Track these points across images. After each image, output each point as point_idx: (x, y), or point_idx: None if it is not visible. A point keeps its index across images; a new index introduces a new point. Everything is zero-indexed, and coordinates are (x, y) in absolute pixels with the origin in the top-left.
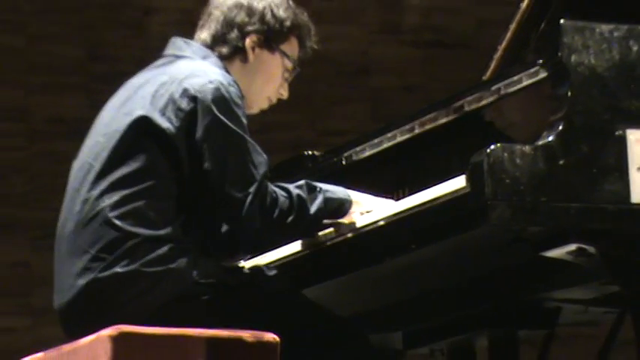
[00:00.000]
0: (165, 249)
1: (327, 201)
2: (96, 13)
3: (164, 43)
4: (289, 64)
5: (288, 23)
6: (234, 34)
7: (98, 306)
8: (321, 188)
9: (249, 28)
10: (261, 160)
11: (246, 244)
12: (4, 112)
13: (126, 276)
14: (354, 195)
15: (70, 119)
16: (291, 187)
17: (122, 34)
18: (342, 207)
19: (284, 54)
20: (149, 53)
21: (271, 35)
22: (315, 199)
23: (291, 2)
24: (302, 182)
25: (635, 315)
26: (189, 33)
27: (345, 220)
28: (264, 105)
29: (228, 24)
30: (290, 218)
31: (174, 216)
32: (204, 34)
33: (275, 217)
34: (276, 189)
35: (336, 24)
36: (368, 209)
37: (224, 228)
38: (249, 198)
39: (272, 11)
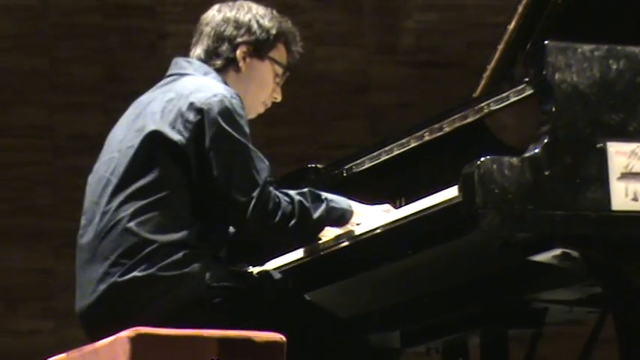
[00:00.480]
0: (180, 254)
1: (330, 210)
2: (113, 38)
3: None
4: (279, 69)
5: (274, 31)
6: (225, 46)
7: (117, 309)
8: (325, 197)
9: (239, 39)
10: (263, 166)
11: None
12: (30, 130)
13: (143, 280)
14: (355, 206)
15: (90, 136)
16: (293, 193)
17: (138, 57)
18: (343, 216)
19: (273, 60)
20: (163, 74)
21: (259, 44)
22: (318, 206)
23: (274, 12)
24: (305, 190)
25: (616, 314)
26: None
27: (344, 229)
28: (261, 109)
29: (219, 38)
30: (292, 223)
31: (188, 223)
32: (197, 50)
33: (277, 220)
34: (280, 194)
35: (337, 46)
36: (367, 220)
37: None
38: (253, 202)
39: (258, 22)
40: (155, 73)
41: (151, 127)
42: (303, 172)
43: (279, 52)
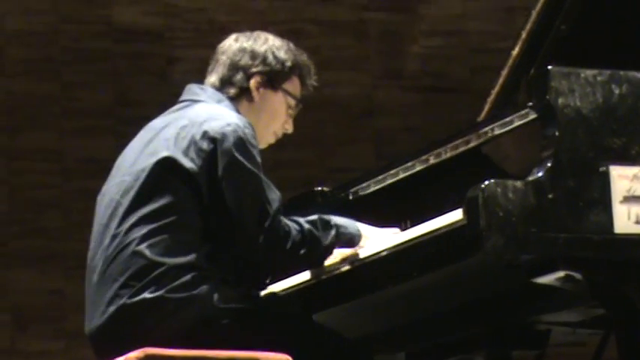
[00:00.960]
0: (188, 277)
1: (339, 235)
2: (123, 63)
3: None
4: (292, 102)
5: (289, 63)
6: (239, 76)
7: (127, 330)
8: (334, 223)
9: (253, 69)
10: (274, 196)
11: (263, 272)
12: (42, 154)
13: (152, 301)
14: (363, 229)
15: (100, 159)
16: (303, 221)
17: (147, 82)
18: (352, 240)
19: (287, 92)
20: (172, 99)
21: (273, 75)
22: (327, 233)
23: (291, 45)
24: (315, 217)
25: (619, 336)
26: None
27: (352, 251)
28: (271, 140)
29: (234, 67)
30: (302, 251)
31: (197, 246)
32: (212, 78)
33: (287, 249)
34: (290, 223)
35: (343, 71)
36: (376, 243)
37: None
38: (264, 232)
39: (273, 53)
40: (164, 97)
41: (164, 153)
42: (310, 195)
43: (293, 85)
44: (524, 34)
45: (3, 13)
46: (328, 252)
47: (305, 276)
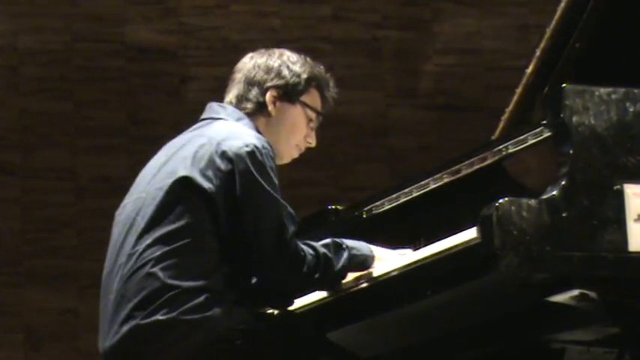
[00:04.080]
0: (201, 299)
1: (352, 257)
2: (136, 81)
3: (199, 107)
4: (312, 114)
5: (305, 75)
6: (254, 91)
7: (139, 350)
8: (347, 246)
9: (268, 84)
10: (290, 220)
11: (278, 294)
12: (55, 172)
13: (165, 323)
14: (376, 251)
15: (113, 178)
16: (318, 245)
17: (160, 100)
18: (364, 263)
19: (305, 104)
20: (185, 117)
21: (290, 88)
22: (340, 256)
23: (308, 59)
24: (329, 241)
25: (634, 354)
26: (221, 99)
27: (365, 272)
28: (294, 154)
29: (249, 83)
30: (317, 275)
31: (211, 268)
32: (229, 96)
33: (303, 273)
34: (305, 247)
35: (357, 89)
36: (389, 264)
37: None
38: (280, 256)
39: (288, 67)
40: (177, 116)
41: (182, 172)
42: (323, 213)
43: (312, 97)
44: (538, 53)
45: (17, 31)
46: (342, 275)
47: (319, 294)
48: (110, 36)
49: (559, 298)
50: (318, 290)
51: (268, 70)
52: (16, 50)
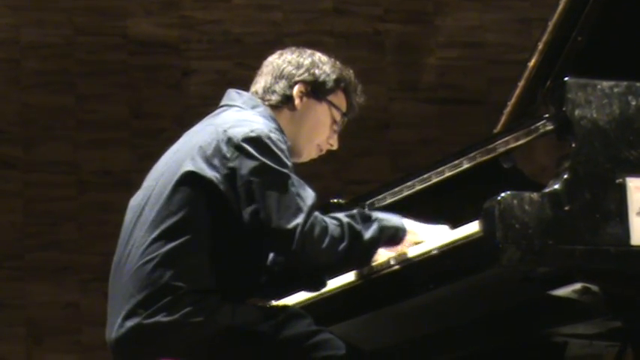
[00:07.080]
0: (205, 301)
1: (383, 229)
2: (138, 75)
3: (201, 101)
4: (337, 115)
5: (334, 76)
6: (282, 83)
7: (142, 348)
8: (376, 216)
9: (297, 78)
10: (307, 194)
11: (304, 271)
12: (56, 166)
13: (168, 324)
14: (409, 224)
15: (115, 172)
16: (342, 215)
17: (162, 94)
18: (396, 234)
19: (331, 104)
20: (187, 111)
21: (318, 85)
22: (369, 226)
23: (337, 62)
24: (354, 211)
25: (636, 348)
26: (223, 92)
27: (396, 250)
28: (314, 153)
29: (278, 76)
30: (342, 246)
31: (217, 268)
32: (255, 86)
33: (325, 245)
34: (327, 218)
35: (359, 83)
36: (422, 239)
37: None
38: (299, 228)
39: (318, 65)
40: (179, 109)
41: (188, 165)
42: (326, 207)
43: (338, 98)
44: (540, 46)
45: (18, 25)
46: (372, 247)
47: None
48: (112, 29)
49: (561, 291)
50: (350, 266)
51: (299, 65)
52: (18, 43)
